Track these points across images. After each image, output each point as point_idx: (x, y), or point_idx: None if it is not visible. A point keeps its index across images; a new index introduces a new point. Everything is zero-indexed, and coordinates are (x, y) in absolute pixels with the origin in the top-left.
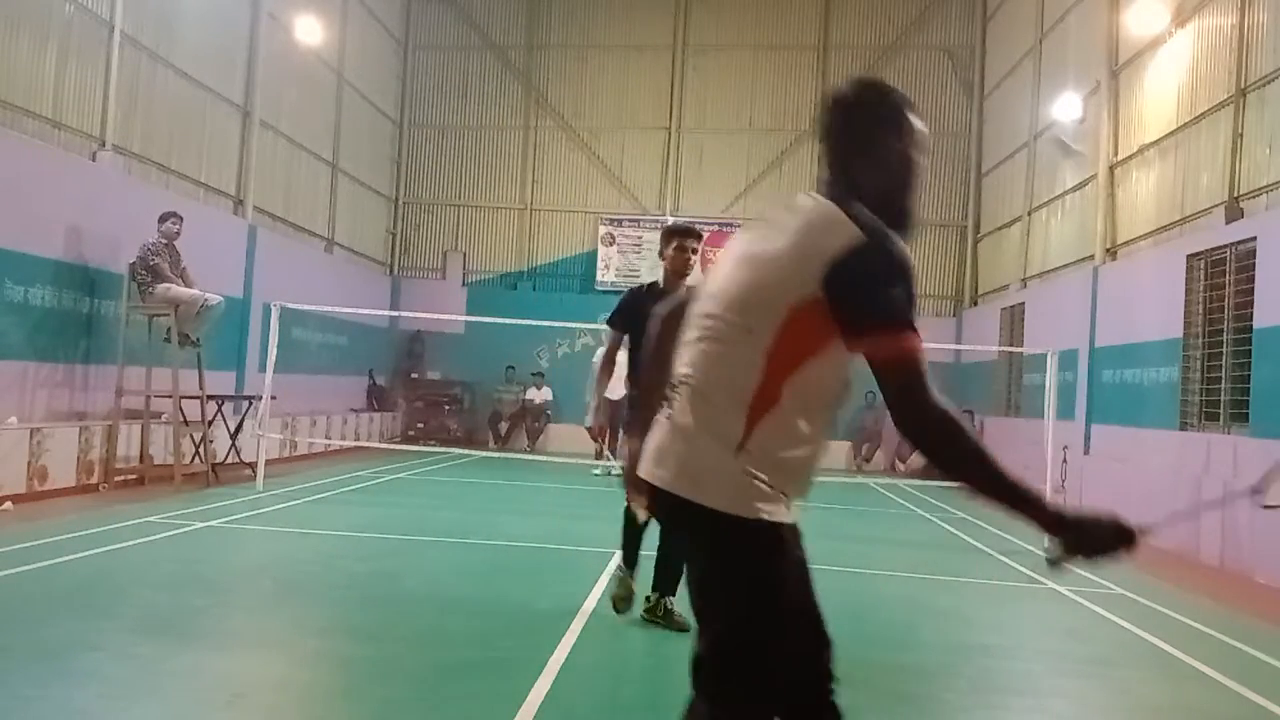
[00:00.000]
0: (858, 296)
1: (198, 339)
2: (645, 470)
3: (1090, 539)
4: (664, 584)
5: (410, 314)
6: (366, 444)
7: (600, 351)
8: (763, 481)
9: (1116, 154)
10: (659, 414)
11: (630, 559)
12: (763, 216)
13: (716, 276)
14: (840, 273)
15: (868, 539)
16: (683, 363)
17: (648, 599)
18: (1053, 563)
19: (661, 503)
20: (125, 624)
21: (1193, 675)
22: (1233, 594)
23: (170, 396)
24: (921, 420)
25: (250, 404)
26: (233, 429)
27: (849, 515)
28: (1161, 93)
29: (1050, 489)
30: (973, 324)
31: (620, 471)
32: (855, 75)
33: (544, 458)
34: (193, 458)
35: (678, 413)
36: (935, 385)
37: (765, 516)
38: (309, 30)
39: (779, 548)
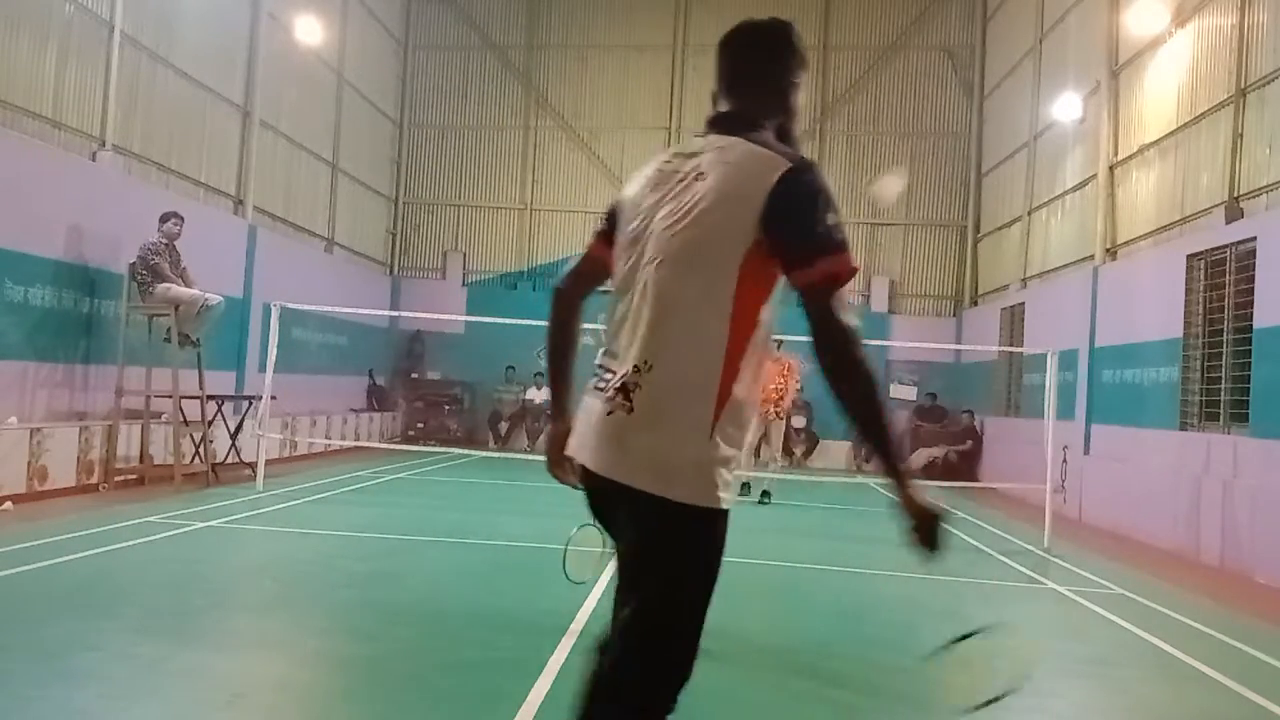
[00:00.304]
0: (800, 225)
1: (198, 339)
2: (598, 463)
3: (927, 520)
4: None
5: (410, 314)
6: (366, 444)
7: None
8: (726, 467)
9: (1116, 154)
10: (596, 398)
11: None
12: (666, 171)
13: (650, 244)
14: (778, 206)
15: (868, 539)
16: (636, 345)
17: None
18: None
19: (607, 491)
20: (125, 624)
21: (1193, 675)
22: (1233, 594)
23: (170, 396)
24: (843, 336)
25: (250, 404)
26: (233, 429)
27: (849, 515)
28: (1161, 93)
29: (1050, 489)
30: (973, 324)
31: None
32: (759, 18)
33: (544, 458)
34: (193, 458)
35: (641, 402)
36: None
37: (724, 505)
38: (309, 30)
39: (725, 531)
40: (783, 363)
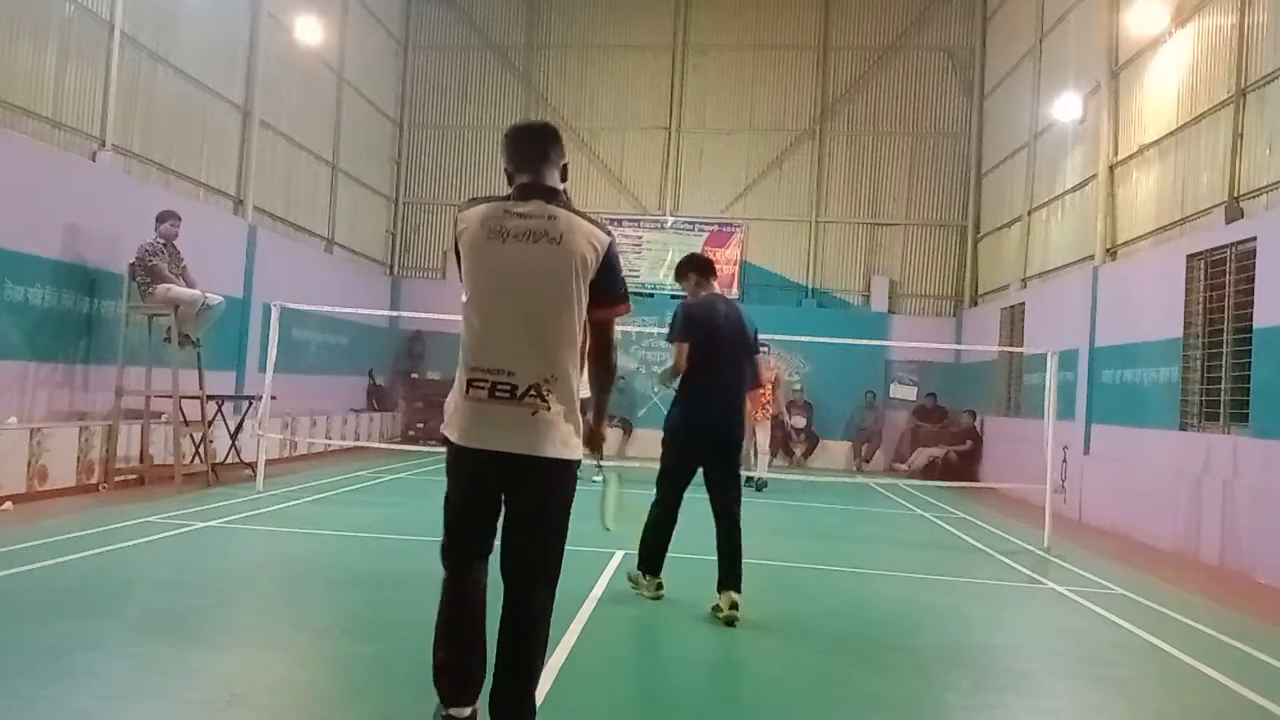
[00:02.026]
0: (616, 277)
1: (198, 339)
2: (520, 446)
3: (598, 440)
4: (734, 579)
5: (410, 314)
6: (366, 444)
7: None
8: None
9: (1116, 154)
10: (501, 404)
11: (656, 564)
12: (509, 227)
13: (528, 285)
14: (605, 267)
15: (868, 539)
16: (536, 360)
17: (716, 607)
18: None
19: (513, 463)
20: (125, 624)
21: (1192, 675)
22: (1233, 594)
23: (170, 396)
24: (615, 350)
25: (250, 404)
26: (233, 429)
27: (849, 515)
28: (1161, 93)
29: (1050, 489)
30: (973, 324)
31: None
32: (534, 120)
33: None
34: (193, 458)
35: (554, 401)
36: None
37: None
38: (309, 30)
39: None
40: (772, 370)
